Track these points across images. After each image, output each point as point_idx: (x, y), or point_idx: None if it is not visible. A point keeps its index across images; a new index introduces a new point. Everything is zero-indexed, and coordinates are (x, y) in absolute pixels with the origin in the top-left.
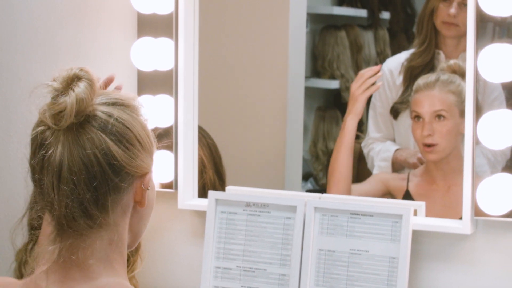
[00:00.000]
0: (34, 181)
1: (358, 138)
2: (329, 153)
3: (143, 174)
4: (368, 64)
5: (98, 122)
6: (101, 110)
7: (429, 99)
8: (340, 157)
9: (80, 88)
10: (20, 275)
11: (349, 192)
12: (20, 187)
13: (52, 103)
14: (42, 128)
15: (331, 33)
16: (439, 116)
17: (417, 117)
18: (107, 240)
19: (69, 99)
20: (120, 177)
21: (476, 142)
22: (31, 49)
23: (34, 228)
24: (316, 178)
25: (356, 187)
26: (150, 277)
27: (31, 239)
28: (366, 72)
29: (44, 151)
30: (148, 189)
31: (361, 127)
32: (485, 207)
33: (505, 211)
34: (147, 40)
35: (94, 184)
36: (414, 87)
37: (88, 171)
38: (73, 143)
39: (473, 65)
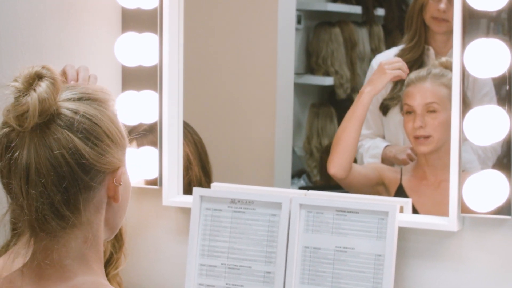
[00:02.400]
0: (3, 184)
1: None
2: (323, 150)
3: (114, 170)
4: (362, 61)
5: (63, 120)
6: (66, 107)
7: (421, 92)
8: (348, 127)
9: (42, 87)
10: None
11: (350, 165)
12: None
13: (15, 104)
14: (7, 129)
15: (326, 30)
16: (431, 109)
17: (408, 111)
18: (81, 238)
19: (31, 100)
20: (91, 175)
21: (463, 138)
22: (15, 46)
23: (15, 227)
24: (309, 175)
25: (354, 166)
26: (134, 274)
27: (13, 237)
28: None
29: (10, 154)
30: (120, 185)
31: None
32: (472, 204)
33: (492, 208)
34: (131, 35)
35: (64, 185)
36: (406, 81)
37: (56, 172)
38: (39, 144)
39: (459, 61)
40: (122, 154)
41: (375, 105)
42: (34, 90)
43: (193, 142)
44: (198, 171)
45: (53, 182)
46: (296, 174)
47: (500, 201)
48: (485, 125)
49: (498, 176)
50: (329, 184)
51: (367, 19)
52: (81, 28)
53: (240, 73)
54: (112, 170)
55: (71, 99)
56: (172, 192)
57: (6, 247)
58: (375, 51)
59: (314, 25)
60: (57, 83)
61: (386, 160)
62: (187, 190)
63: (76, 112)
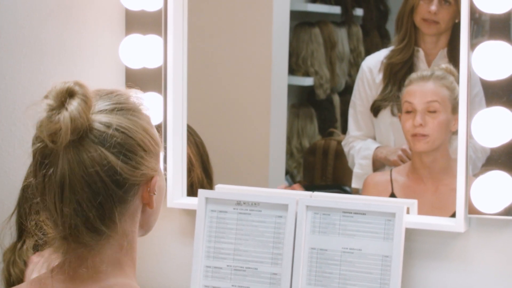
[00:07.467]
0: (38, 200)
1: (332, 134)
2: (306, 151)
3: (148, 180)
4: (342, 61)
5: (96, 135)
6: (99, 121)
7: (423, 90)
8: None
9: (74, 106)
10: (8, 275)
11: None
12: (7, 187)
13: (47, 121)
14: (40, 144)
15: (305, 30)
16: (432, 109)
17: (408, 110)
18: (117, 246)
19: (63, 119)
20: (125, 189)
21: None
22: (16, 46)
23: (22, 228)
24: (292, 175)
25: None
26: (139, 277)
27: (19, 239)
28: None
29: (44, 171)
30: (154, 194)
31: (335, 123)
32: (478, 205)
33: (499, 209)
34: (135, 37)
35: (99, 201)
36: (407, 80)
37: (91, 188)
38: (73, 161)
39: (466, 62)
40: (156, 162)
41: (366, 107)
42: (66, 109)
43: (195, 143)
44: (200, 173)
45: (88, 199)
46: None
47: (507, 202)
48: (492, 126)
49: (504, 177)
50: (313, 184)
51: (346, 19)
52: (85, 30)
53: (239, 75)
54: (146, 181)
55: (104, 111)
56: (177, 194)
57: (13, 249)
58: (354, 51)
59: (294, 25)
60: (89, 100)
61: (377, 161)
62: (189, 192)
63: (108, 126)
